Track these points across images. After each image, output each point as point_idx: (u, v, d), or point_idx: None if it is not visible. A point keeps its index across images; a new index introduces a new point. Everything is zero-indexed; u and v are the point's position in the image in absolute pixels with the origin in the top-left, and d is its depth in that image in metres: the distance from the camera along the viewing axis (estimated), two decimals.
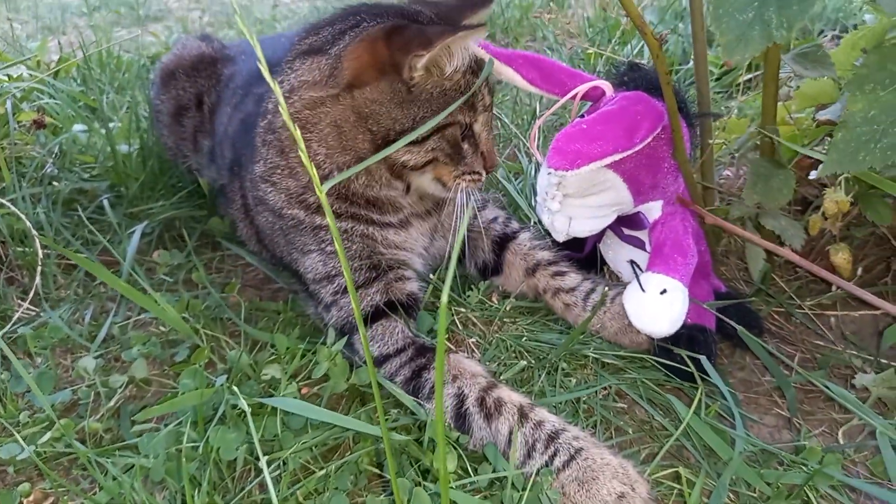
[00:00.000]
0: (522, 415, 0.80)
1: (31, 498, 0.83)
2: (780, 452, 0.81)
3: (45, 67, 1.93)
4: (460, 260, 1.12)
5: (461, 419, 0.82)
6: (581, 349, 0.96)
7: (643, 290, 0.92)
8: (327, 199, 0.95)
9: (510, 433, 0.79)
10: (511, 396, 0.82)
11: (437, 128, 0.89)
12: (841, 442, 0.86)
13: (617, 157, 0.89)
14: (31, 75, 1.66)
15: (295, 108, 0.90)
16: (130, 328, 1.09)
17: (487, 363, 0.95)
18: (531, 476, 0.75)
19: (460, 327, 1.03)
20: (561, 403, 0.89)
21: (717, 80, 1.79)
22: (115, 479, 0.79)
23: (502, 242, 1.10)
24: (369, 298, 0.94)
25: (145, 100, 1.73)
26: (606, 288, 0.99)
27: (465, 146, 0.93)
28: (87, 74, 1.94)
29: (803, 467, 0.79)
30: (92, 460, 0.81)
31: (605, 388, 0.92)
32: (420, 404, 0.85)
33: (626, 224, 1.02)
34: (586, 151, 0.88)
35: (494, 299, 1.07)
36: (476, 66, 0.90)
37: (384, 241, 0.97)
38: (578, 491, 0.73)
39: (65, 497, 0.82)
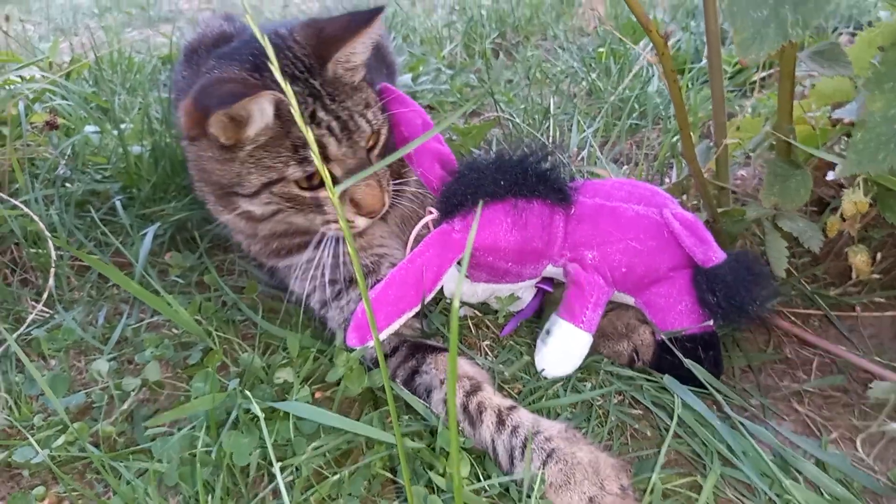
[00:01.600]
0: (500, 421, 0.79)
1: (45, 502, 0.83)
2: (799, 459, 0.80)
3: (56, 68, 1.94)
4: None
5: None
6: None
7: (549, 335, 0.92)
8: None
9: (493, 441, 0.79)
10: (491, 400, 0.82)
11: (263, 185, 0.86)
12: (859, 449, 0.85)
13: (410, 313, 0.89)
14: (43, 76, 1.66)
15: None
16: (143, 330, 1.09)
17: (501, 365, 0.95)
18: (532, 480, 0.74)
19: (473, 330, 1.02)
20: (575, 408, 0.89)
21: (731, 78, 1.78)
22: (128, 483, 0.79)
23: None
24: (349, 305, 0.96)
25: (157, 101, 1.73)
26: None
27: (322, 194, 0.88)
28: (99, 75, 1.94)
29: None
30: (106, 464, 0.81)
31: (619, 394, 0.91)
32: (427, 407, 0.85)
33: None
34: (378, 323, 0.86)
35: None
36: (314, 116, 0.85)
37: (343, 253, 0.96)
38: (556, 496, 0.73)
39: (79, 501, 0.82)
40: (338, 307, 0.98)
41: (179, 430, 0.85)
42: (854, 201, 0.93)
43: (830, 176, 1.00)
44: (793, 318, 1.03)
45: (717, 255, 0.87)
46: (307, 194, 0.87)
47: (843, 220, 0.96)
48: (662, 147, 1.38)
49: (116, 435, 0.89)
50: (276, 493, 0.78)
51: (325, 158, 0.86)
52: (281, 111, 0.83)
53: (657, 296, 0.91)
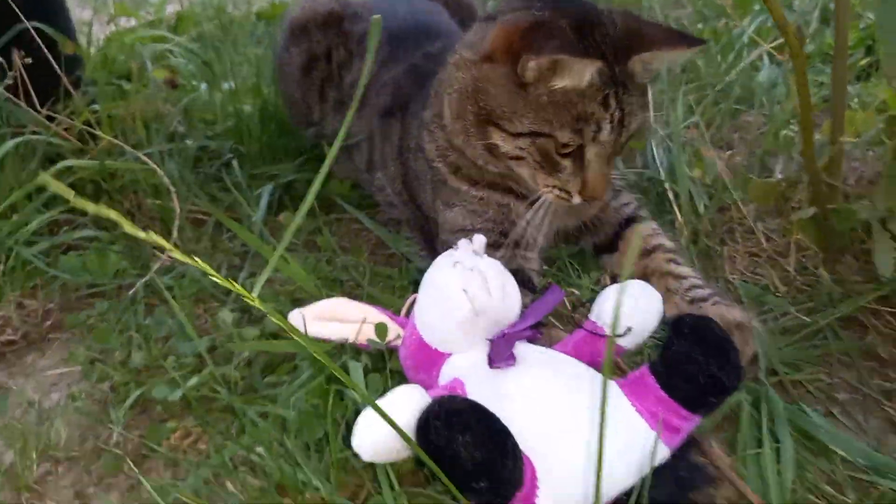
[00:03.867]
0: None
1: (177, 434, 0.92)
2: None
3: (167, 24, 2.03)
4: (577, 237, 1.16)
5: None
6: None
7: None
8: (464, 164, 1.04)
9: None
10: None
11: (531, 132, 0.92)
12: None
13: None
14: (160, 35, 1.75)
15: (452, 62, 1.00)
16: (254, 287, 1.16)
17: None
18: None
19: (569, 308, 1.06)
20: None
21: None
22: (254, 424, 0.87)
23: (626, 224, 1.12)
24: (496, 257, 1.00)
25: (263, 58, 1.79)
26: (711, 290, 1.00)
27: (565, 163, 0.94)
28: (204, 32, 2.02)
29: None
30: (235, 405, 0.89)
31: None
32: None
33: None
34: None
35: (607, 280, 1.10)
36: (606, 100, 0.90)
37: (517, 212, 1.04)
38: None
39: (205, 436, 0.91)
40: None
41: (294, 381, 0.93)
42: None
43: None
44: (889, 318, 1.04)
45: None
46: (557, 157, 0.94)
47: None
48: (767, 136, 1.37)
49: (239, 379, 0.97)
50: None
51: (594, 139, 0.92)
52: (592, 80, 0.89)
53: None
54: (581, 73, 0.88)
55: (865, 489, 0.79)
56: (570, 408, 0.72)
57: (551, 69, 0.88)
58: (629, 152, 1.03)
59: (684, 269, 1.04)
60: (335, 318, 0.93)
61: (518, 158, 0.96)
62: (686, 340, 0.73)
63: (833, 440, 0.83)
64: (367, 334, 0.91)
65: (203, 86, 1.63)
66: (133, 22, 2.08)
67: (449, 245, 1.00)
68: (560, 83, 0.89)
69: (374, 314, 0.93)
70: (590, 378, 0.77)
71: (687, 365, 0.72)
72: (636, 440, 0.70)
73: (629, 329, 0.80)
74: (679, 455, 0.72)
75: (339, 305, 0.95)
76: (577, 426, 0.69)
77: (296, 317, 0.92)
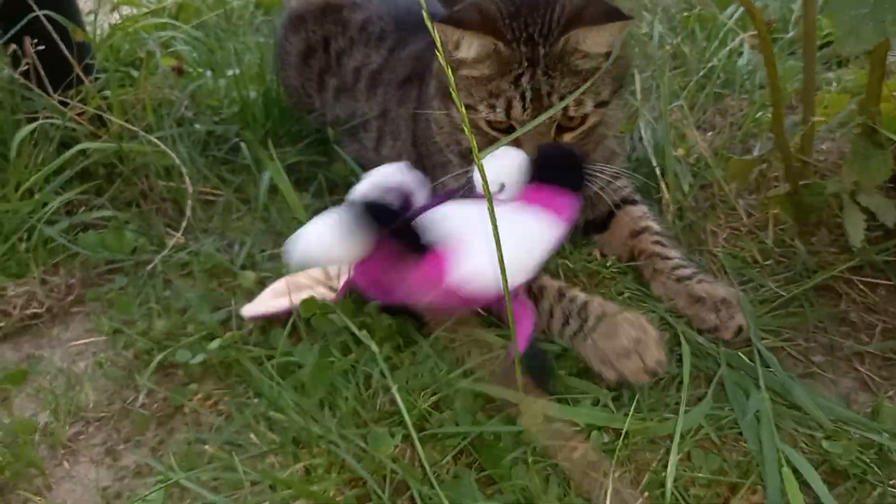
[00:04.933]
0: (560, 294, 0.99)
1: (198, 396, 0.99)
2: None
3: (168, 13, 2.08)
4: None
5: None
6: None
7: None
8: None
9: (551, 308, 0.98)
10: (551, 283, 1.01)
11: (466, 104, 1.01)
12: None
13: None
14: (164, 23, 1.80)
15: None
16: (267, 260, 1.23)
17: None
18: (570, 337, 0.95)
19: (562, 278, 1.13)
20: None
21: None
22: (270, 385, 0.94)
23: (620, 204, 1.19)
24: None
25: (265, 46, 1.84)
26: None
27: (501, 139, 1.00)
28: (206, 20, 2.07)
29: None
30: (251, 370, 0.96)
31: None
32: None
33: None
34: None
35: (597, 254, 1.17)
36: (518, 79, 0.98)
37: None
38: (605, 341, 0.90)
39: (225, 398, 0.98)
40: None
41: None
42: None
43: None
44: (861, 287, 1.12)
45: None
46: (489, 131, 1.04)
47: None
48: (746, 119, 1.44)
49: (253, 345, 1.04)
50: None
51: (509, 116, 1.01)
52: (492, 57, 0.98)
53: None
54: (470, 46, 0.97)
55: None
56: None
57: (455, 44, 0.98)
58: (597, 144, 1.09)
59: (671, 251, 1.11)
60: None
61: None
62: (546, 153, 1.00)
63: (803, 399, 0.91)
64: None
65: (208, 73, 1.68)
66: (134, 11, 2.13)
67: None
68: (459, 55, 0.99)
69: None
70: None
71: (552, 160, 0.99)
72: (534, 234, 0.95)
73: (503, 185, 0.98)
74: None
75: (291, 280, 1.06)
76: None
77: (248, 310, 1.04)
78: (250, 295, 1.09)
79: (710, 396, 0.91)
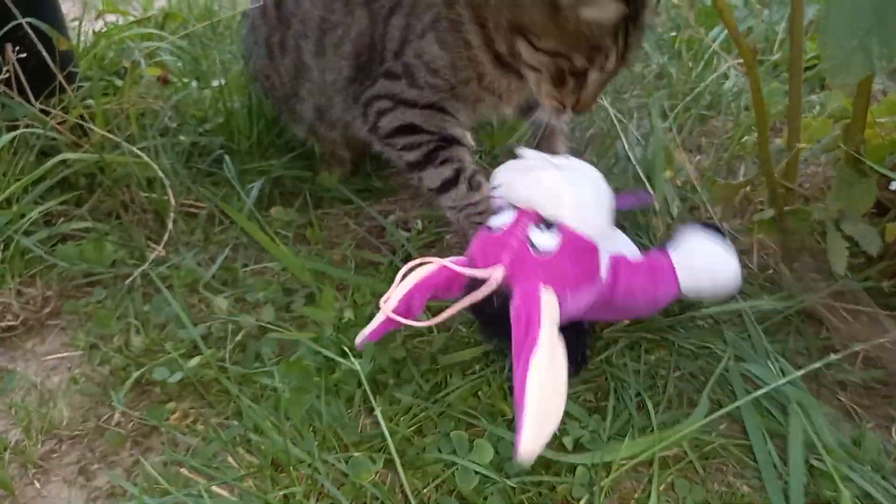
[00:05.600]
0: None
1: (175, 415, 0.97)
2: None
3: (149, 22, 2.06)
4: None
5: (447, 184, 1.15)
6: None
7: None
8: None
9: None
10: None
11: (554, 51, 1.03)
12: (894, 436, 0.94)
13: None
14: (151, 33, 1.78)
15: None
16: (248, 275, 1.21)
17: None
18: None
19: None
20: None
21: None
22: (249, 406, 0.92)
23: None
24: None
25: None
26: None
27: (570, 82, 1.06)
28: (193, 31, 2.05)
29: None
30: (230, 389, 0.95)
31: None
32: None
33: None
34: None
35: None
36: (617, 35, 1.00)
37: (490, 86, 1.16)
38: None
39: (202, 417, 0.96)
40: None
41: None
42: None
43: (893, 186, 1.07)
44: (843, 314, 1.12)
45: None
46: (567, 76, 1.05)
47: None
48: (732, 141, 1.45)
49: (231, 363, 1.02)
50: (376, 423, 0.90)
51: (601, 67, 1.03)
52: (615, 16, 0.99)
53: None
54: (606, 8, 0.97)
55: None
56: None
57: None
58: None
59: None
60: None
61: (533, 69, 1.07)
62: None
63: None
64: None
65: (193, 83, 1.67)
66: (119, 19, 2.10)
67: (395, 69, 1.16)
68: (588, 14, 0.98)
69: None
70: None
71: None
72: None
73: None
74: None
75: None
76: None
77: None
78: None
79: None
